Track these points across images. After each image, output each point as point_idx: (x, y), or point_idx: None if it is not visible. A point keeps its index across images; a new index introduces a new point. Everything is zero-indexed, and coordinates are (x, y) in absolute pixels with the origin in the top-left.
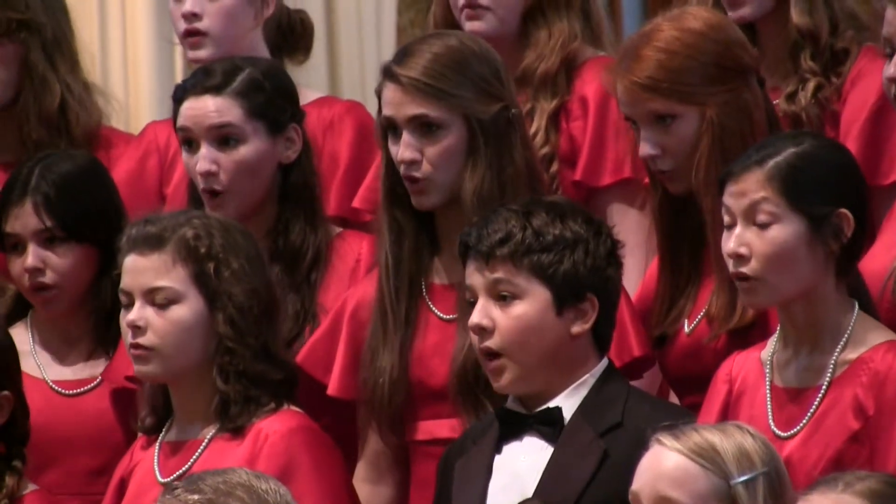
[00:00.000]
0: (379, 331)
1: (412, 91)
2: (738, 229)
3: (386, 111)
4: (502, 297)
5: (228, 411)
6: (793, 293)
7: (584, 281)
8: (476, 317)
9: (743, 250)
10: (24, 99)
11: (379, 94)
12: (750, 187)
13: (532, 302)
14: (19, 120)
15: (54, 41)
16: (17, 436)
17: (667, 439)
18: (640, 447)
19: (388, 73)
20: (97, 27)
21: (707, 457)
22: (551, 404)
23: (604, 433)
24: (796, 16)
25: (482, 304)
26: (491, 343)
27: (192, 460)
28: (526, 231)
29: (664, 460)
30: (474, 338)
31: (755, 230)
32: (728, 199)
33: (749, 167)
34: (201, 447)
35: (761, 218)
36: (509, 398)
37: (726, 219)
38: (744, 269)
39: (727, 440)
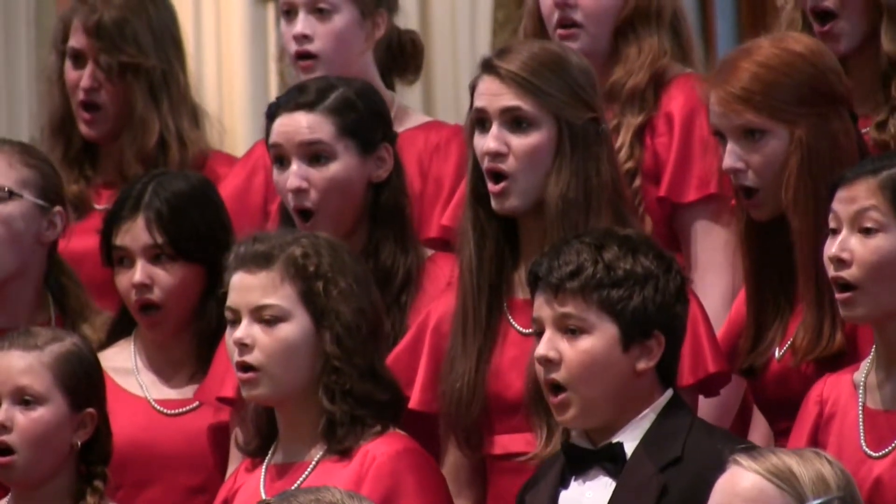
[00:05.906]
0: (459, 335)
1: (509, 83)
2: (842, 234)
3: (479, 102)
4: (570, 331)
5: (335, 432)
6: (891, 307)
7: (652, 318)
8: (542, 348)
9: (845, 255)
10: (124, 137)
11: (472, 88)
12: (860, 194)
13: (599, 337)
14: (118, 154)
15: (162, 80)
16: (100, 455)
17: (744, 460)
18: (700, 482)
19: (486, 66)
20: (192, 46)
21: (784, 478)
22: (614, 440)
23: (664, 468)
24: (886, 44)
25: (549, 336)
26: (556, 376)
27: (298, 482)
28: (597, 265)
29: (741, 480)
30: (539, 369)
31: (859, 237)
32: (837, 205)
33: (863, 174)
34: (308, 469)
35: (867, 225)
36: (574, 432)
37: (832, 224)
38: (843, 274)
39: (804, 464)
